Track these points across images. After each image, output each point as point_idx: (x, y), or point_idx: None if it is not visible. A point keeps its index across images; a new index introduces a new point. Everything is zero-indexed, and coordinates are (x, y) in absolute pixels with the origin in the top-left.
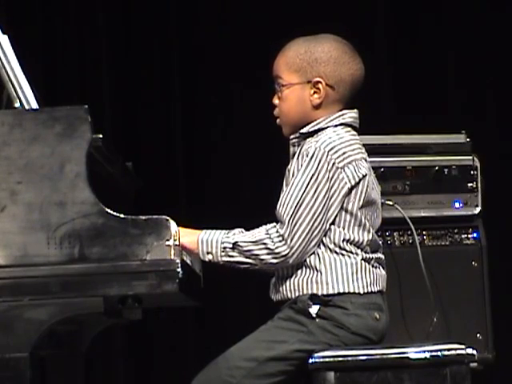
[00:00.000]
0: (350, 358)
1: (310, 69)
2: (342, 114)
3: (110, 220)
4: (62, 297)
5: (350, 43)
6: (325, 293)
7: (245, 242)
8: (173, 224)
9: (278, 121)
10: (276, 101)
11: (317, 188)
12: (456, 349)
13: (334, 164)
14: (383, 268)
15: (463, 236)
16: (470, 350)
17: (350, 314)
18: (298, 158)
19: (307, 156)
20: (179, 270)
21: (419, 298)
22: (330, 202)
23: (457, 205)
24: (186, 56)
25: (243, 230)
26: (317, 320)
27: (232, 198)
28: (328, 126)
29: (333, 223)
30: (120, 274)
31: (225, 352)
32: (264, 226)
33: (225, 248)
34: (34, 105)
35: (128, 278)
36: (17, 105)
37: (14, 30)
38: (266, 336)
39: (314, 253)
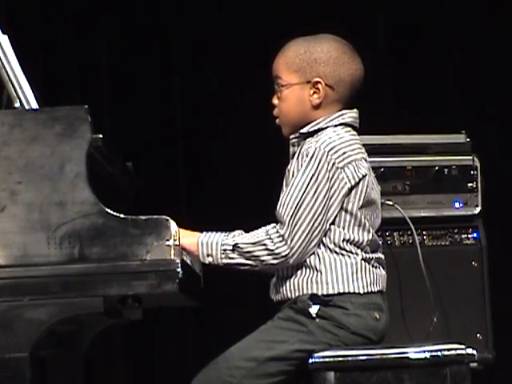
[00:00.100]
0: (349, 358)
1: (310, 69)
2: (342, 114)
3: (109, 220)
4: (62, 297)
5: (350, 43)
6: (325, 293)
7: (245, 243)
8: (173, 224)
9: (277, 121)
10: (275, 101)
11: (317, 188)
12: (456, 349)
13: (334, 164)
14: (383, 268)
15: (463, 236)
16: (470, 350)
17: (350, 314)
18: (297, 158)
19: (307, 156)
20: (179, 270)
21: (419, 298)
22: (330, 202)
23: (457, 205)
24: (186, 56)
25: (243, 231)
26: (317, 320)
27: (232, 198)
28: (328, 126)
29: (333, 223)
30: (120, 274)
31: (225, 352)
32: (264, 227)
33: (225, 250)
34: (34, 105)
35: (128, 278)
36: (17, 105)
37: (14, 30)
38: (265, 336)
39: (313, 253)
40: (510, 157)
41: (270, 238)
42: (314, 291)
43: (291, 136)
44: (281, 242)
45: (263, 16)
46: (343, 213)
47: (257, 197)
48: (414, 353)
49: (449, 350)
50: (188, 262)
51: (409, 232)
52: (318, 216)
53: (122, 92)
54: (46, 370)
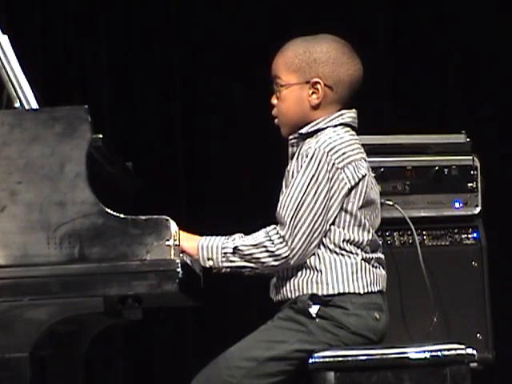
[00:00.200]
0: (350, 358)
1: (309, 69)
2: (341, 114)
3: (109, 220)
4: (62, 297)
5: (350, 43)
6: (325, 293)
7: (245, 245)
8: (173, 224)
9: (276, 121)
10: (274, 101)
11: (317, 189)
12: (456, 349)
13: (333, 164)
14: (383, 268)
15: (463, 236)
16: (470, 350)
17: (350, 314)
18: (297, 158)
19: (307, 157)
20: (179, 269)
21: (419, 297)
22: (330, 202)
23: (457, 205)
24: (186, 56)
25: (243, 234)
26: (317, 320)
27: (232, 198)
28: (327, 127)
29: (333, 223)
30: (120, 274)
31: (225, 352)
32: (264, 229)
33: (225, 253)
34: (34, 105)
35: (128, 278)
36: (17, 105)
37: (14, 30)
38: (265, 336)
39: (314, 253)
40: (510, 157)
41: (271, 240)
42: (314, 291)
43: (290, 136)
44: (281, 243)
45: (263, 16)
46: (343, 213)
47: (256, 197)
48: (414, 353)
49: (449, 349)
50: (188, 262)
51: (409, 232)
52: (319, 217)
53: (122, 92)
54: (46, 370)
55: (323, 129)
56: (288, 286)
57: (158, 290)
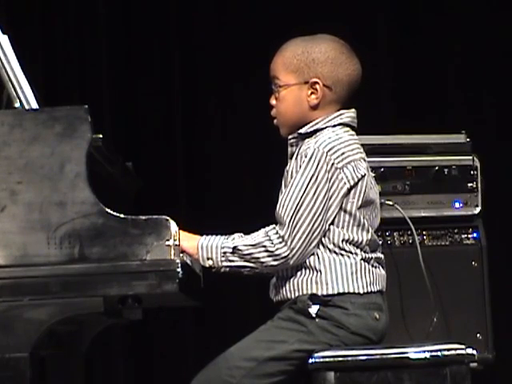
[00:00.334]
0: (349, 358)
1: (308, 69)
2: (340, 114)
3: (109, 220)
4: (62, 297)
5: (350, 43)
6: (325, 293)
7: (244, 245)
8: (173, 224)
9: (275, 121)
10: (273, 101)
11: (316, 189)
12: (456, 349)
13: (333, 164)
14: (383, 268)
15: (463, 236)
16: (470, 350)
17: (349, 314)
18: (296, 158)
19: (306, 157)
20: (179, 270)
21: (419, 297)
22: (329, 202)
23: (457, 205)
24: (186, 56)
25: (242, 234)
26: (316, 320)
27: (232, 198)
28: (326, 127)
29: (332, 223)
30: (120, 274)
31: (225, 352)
32: (263, 229)
33: (225, 253)
34: (34, 105)
35: (128, 277)
36: (17, 105)
37: (14, 30)
38: (265, 336)
39: (313, 253)
40: (510, 157)
41: (270, 240)
42: (314, 291)
43: (290, 136)
44: (280, 243)
45: (263, 16)
46: (342, 213)
47: (256, 197)
48: (413, 353)
49: (449, 349)
50: (188, 262)
51: (409, 232)
52: (318, 217)
53: (122, 92)
54: (46, 370)
55: (322, 129)
56: (288, 286)
57: (158, 290)
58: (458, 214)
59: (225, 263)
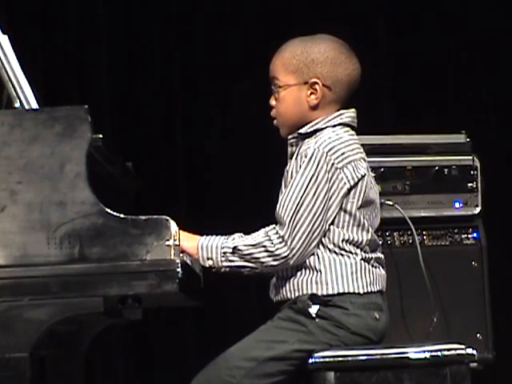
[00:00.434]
0: (350, 358)
1: (307, 70)
2: (340, 114)
3: (109, 220)
4: (62, 297)
5: (350, 43)
6: (325, 293)
7: (244, 245)
8: (173, 224)
9: (275, 122)
10: (273, 102)
11: (316, 189)
12: (456, 349)
13: (333, 164)
14: (383, 268)
15: (463, 236)
16: (470, 350)
17: (349, 314)
18: (296, 158)
19: (306, 157)
20: (179, 269)
21: (419, 297)
22: (329, 202)
23: (457, 205)
24: (186, 56)
25: (242, 234)
26: (316, 320)
27: (232, 198)
28: (326, 127)
29: (332, 223)
30: (120, 274)
31: (225, 352)
32: (263, 229)
33: (225, 253)
34: (34, 105)
35: (128, 277)
36: (17, 105)
37: (14, 30)
38: (265, 336)
39: (313, 253)
40: (510, 157)
41: (270, 240)
42: (314, 291)
43: (289, 136)
44: (280, 243)
45: (263, 16)
46: (342, 213)
47: (256, 197)
48: (413, 353)
49: (449, 350)
50: (188, 262)
51: (409, 232)
52: (318, 217)
53: (122, 92)
54: (46, 370)
55: (322, 129)
56: (288, 286)
57: (157, 290)
58: (458, 213)
59: (225, 263)
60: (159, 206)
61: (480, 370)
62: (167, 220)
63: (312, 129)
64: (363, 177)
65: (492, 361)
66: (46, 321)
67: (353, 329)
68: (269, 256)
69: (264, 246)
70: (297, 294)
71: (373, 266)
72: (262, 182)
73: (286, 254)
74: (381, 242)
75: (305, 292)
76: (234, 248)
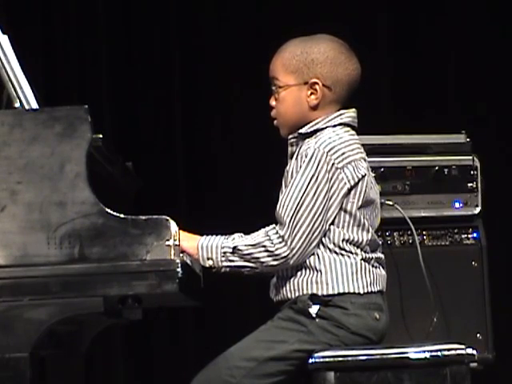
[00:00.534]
0: (350, 358)
1: (307, 70)
2: (340, 114)
3: (109, 220)
4: (62, 297)
5: (350, 43)
6: (325, 293)
7: (244, 245)
8: (173, 224)
9: (275, 122)
10: (273, 102)
11: (317, 189)
12: (456, 349)
13: (333, 164)
14: (383, 268)
15: (463, 236)
16: (470, 350)
17: (349, 314)
18: (296, 158)
19: (306, 157)
20: (179, 269)
21: (419, 297)
22: (329, 202)
23: (457, 205)
24: (186, 56)
25: (242, 234)
26: (317, 320)
27: (232, 198)
28: (327, 127)
29: (332, 223)
30: (120, 274)
31: (225, 352)
32: (263, 229)
33: (225, 253)
34: (34, 105)
35: (128, 277)
36: (17, 105)
37: (14, 30)
38: (265, 336)
39: (313, 253)
40: (510, 157)
41: (270, 240)
42: (314, 291)
43: (290, 136)
44: (280, 243)
45: (263, 16)
46: (342, 213)
47: (256, 197)
48: (413, 353)
49: (449, 350)
50: (188, 262)
51: (409, 232)
52: (318, 217)
53: (122, 92)
54: (46, 370)
55: (322, 129)
56: (288, 286)
57: (157, 290)
58: (458, 213)
59: (225, 263)
60: (159, 206)
61: (480, 370)
62: (167, 220)
63: (312, 129)
64: (363, 177)
65: (492, 361)
66: (46, 321)
67: (353, 329)
68: (269, 256)
69: (264, 246)
70: (297, 294)
71: (373, 266)
72: (262, 182)
73: (286, 253)
74: (381, 242)
75: (305, 292)
76: (234, 248)
